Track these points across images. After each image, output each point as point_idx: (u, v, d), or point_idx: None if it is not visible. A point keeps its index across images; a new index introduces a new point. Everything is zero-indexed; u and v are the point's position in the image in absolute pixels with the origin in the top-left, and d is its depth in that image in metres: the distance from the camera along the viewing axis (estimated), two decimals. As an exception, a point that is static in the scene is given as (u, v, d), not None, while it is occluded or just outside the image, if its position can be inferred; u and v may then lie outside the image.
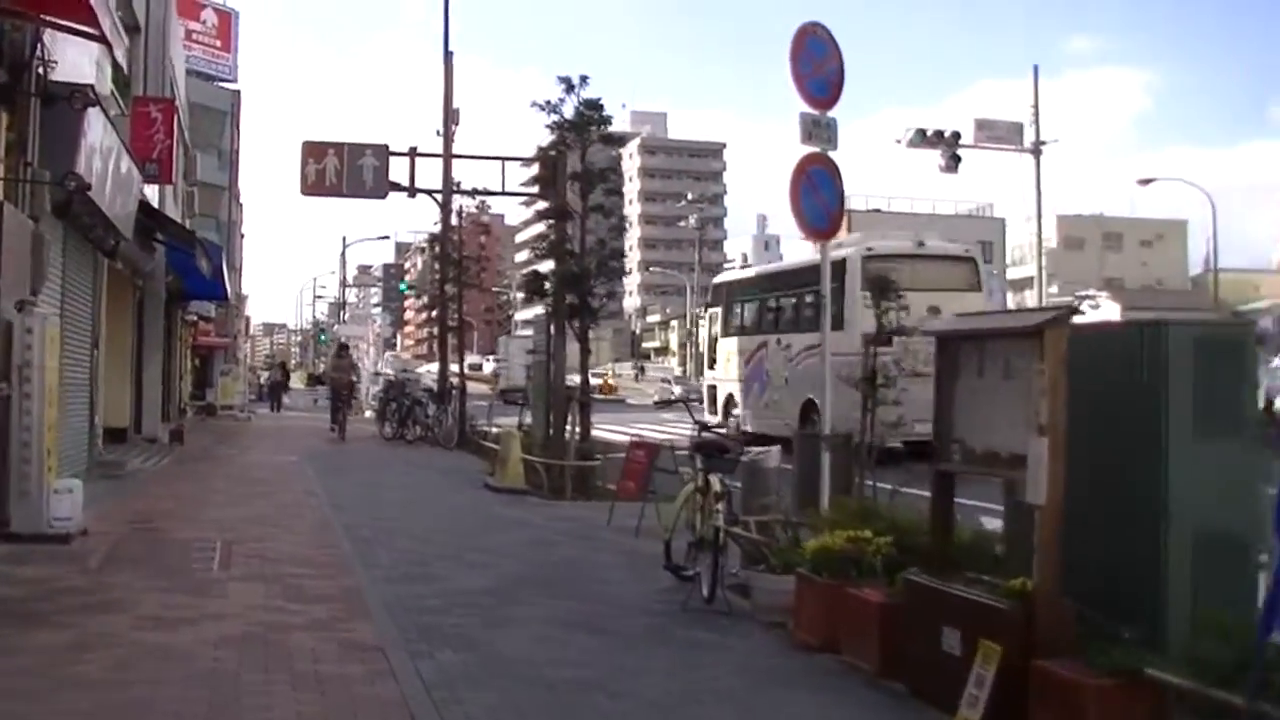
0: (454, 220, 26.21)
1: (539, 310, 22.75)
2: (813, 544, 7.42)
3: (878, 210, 76.72)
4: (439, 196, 25.18)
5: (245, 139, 62.53)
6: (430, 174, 23.57)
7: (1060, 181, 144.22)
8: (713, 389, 27.14)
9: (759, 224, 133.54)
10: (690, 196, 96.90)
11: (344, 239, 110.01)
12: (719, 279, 30.73)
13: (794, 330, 22.24)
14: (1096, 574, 5.70)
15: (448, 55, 26.23)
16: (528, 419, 19.31)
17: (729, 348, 26.06)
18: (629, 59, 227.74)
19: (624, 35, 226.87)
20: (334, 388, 28.57)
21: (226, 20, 55.77)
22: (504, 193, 25.51)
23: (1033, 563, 5.78)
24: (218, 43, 55.17)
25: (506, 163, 24.32)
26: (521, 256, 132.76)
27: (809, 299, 21.96)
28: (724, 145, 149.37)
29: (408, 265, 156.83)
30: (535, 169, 42.50)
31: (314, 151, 23.04)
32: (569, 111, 16.11)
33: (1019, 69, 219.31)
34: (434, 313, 32.94)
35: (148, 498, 13.83)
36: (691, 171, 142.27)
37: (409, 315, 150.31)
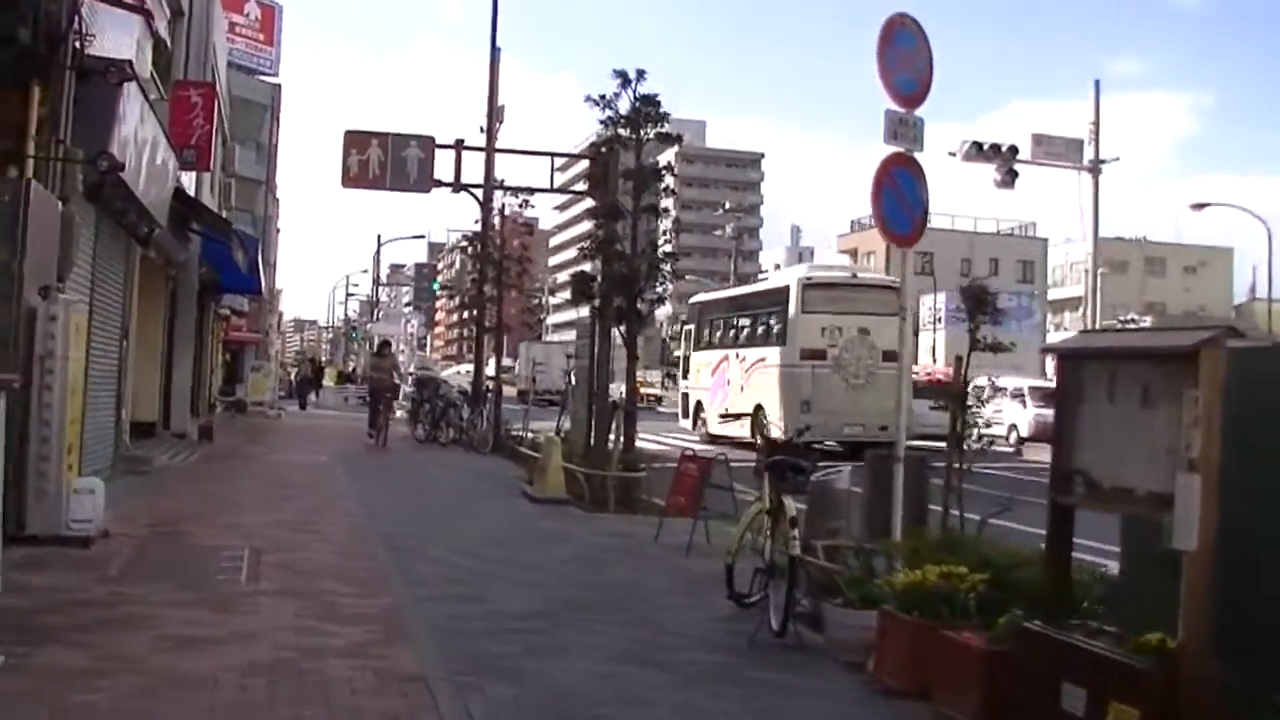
0: (494, 219, 25.57)
1: (572, 314, 23.10)
2: (903, 578, 6.70)
3: (917, 225, 75.68)
4: (480, 194, 24.58)
5: (283, 134, 62.20)
6: (471, 173, 23.03)
7: (1101, 204, 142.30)
8: (685, 397, 30.98)
9: (793, 235, 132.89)
10: (727, 205, 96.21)
11: (379, 237, 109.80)
12: (694, 299, 33.66)
13: (749, 345, 25.88)
14: (1249, 630, 4.98)
15: (494, 50, 25.62)
16: (566, 424, 18.65)
17: (699, 360, 29.92)
18: (668, 65, 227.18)
19: (662, 42, 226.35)
20: (373, 390, 25.91)
21: (270, 14, 55.54)
22: (551, 189, 24.77)
23: (1153, 611, 5.10)
24: (260, 36, 54.93)
25: (555, 158, 23.66)
26: (555, 260, 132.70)
27: (761, 319, 26.15)
28: (762, 155, 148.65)
29: (441, 265, 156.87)
30: (574, 174, 41.88)
31: (356, 141, 22.29)
32: (624, 107, 15.46)
33: (1053, 89, 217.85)
34: (467, 314, 32.37)
35: (173, 497, 13.24)
36: (728, 181, 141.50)
37: (439, 316, 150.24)
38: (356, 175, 22.18)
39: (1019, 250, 76.02)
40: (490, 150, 23.52)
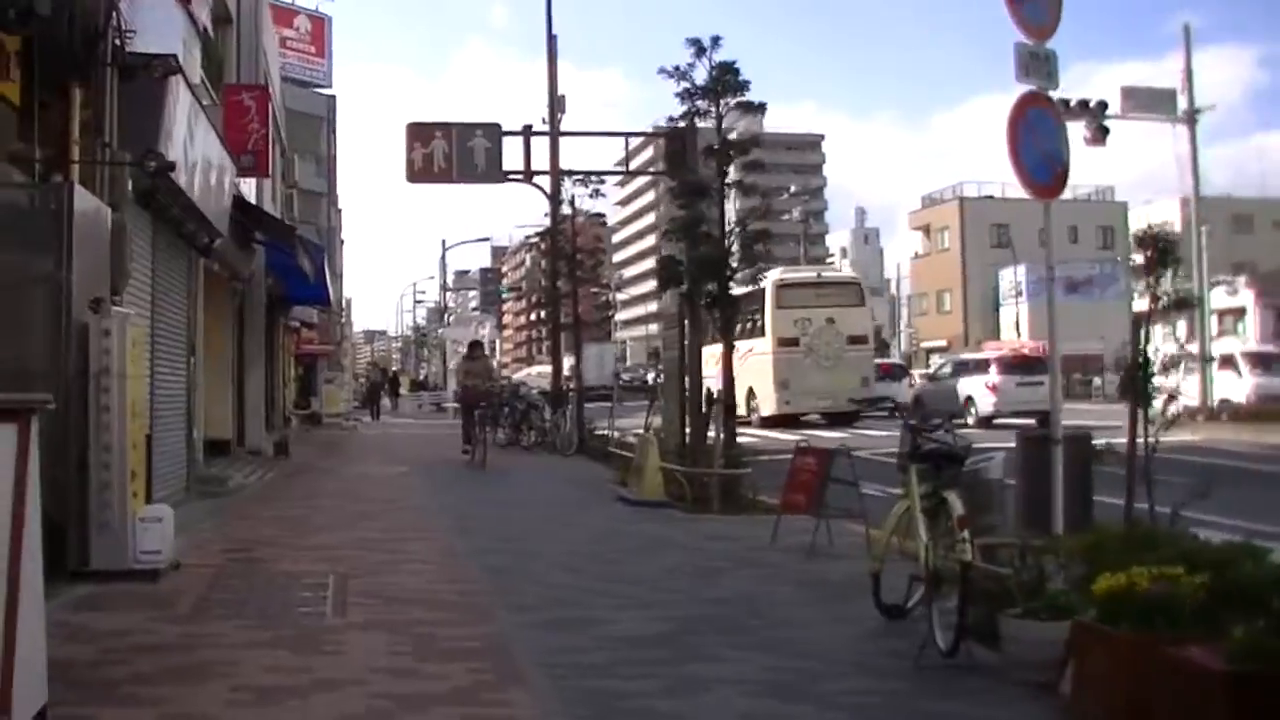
0: (565, 211, 24.63)
1: (640, 310, 22.74)
2: (1105, 582, 5.61)
3: (990, 197, 73.99)
4: (548, 186, 23.65)
5: (340, 146, 62.02)
6: (537, 166, 22.07)
7: (1172, 164, 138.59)
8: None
9: (857, 216, 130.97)
10: (793, 188, 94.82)
11: (443, 242, 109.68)
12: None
13: (742, 338, 26.16)
14: None
15: (551, 38, 24.71)
16: (656, 421, 17.67)
17: (708, 353, 31.97)
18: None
19: (713, 29, 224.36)
20: (465, 400, 22.00)
21: (320, 25, 55.16)
22: (626, 171, 23.77)
23: None
24: (312, 49, 54.59)
25: (629, 138, 22.69)
26: (620, 256, 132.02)
27: (749, 316, 28.31)
28: (822, 137, 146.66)
29: (506, 269, 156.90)
30: (643, 160, 40.96)
31: (420, 134, 21.32)
32: (700, 77, 14.43)
33: (1114, 51, 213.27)
34: (535, 314, 31.50)
35: (250, 520, 12.43)
36: (789, 164, 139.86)
37: (507, 319, 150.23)
38: (421, 169, 21.19)
39: (1098, 216, 73.77)
40: (555, 134, 22.38)
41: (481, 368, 22.15)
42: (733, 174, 15.30)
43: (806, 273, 34.37)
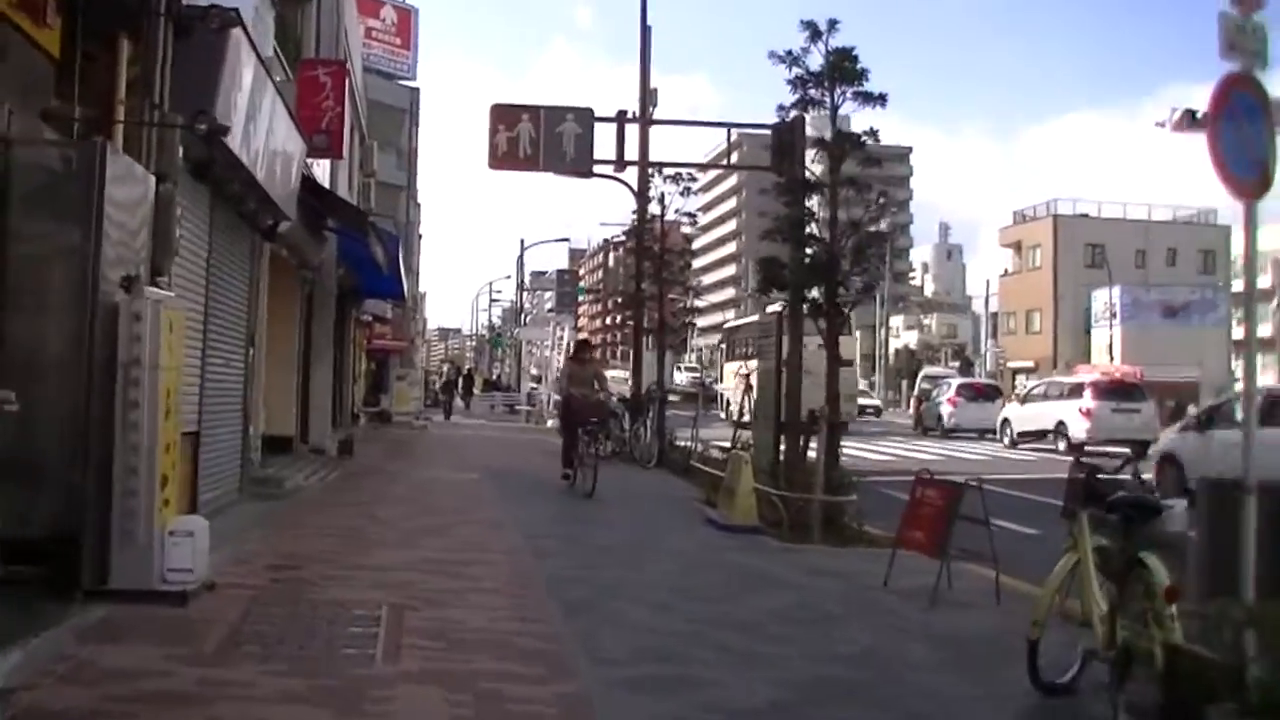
0: (653, 210, 23.37)
1: (718, 317, 21.60)
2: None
3: (1085, 216, 71.61)
4: (631, 182, 22.44)
5: (422, 140, 61.35)
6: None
7: None
8: (721, 395, 43.89)
9: (941, 232, 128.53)
10: (882, 199, 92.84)
11: (521, 241, 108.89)
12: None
13: (751, 359, 25.67)
14: None
15: (645, 29, 23.53)
16: (745, 436, 16.36)
17: (729, 369, 42.31)
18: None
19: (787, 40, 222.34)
20: (572, 414, 17.33)
21: (406, 17, 54.62)
22: (726, 166, 22.42)
23: None
24: (397, 40, 54.07)
25: (731, 129, 21.29)
26: (699, 262, 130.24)
27: (756, 341, 28.47)
28: (910, 149, 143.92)
29: (583, 271, 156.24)
30: (729, 158, 39.60)
31: (505, 117, 19.85)
32: (814, 63, 13.09)
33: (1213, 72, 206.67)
34: (611, 318, 30.23)
35: (303, 530, 11.29)
36: (875, 177, 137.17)
37: (583, 323, 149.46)
38: (505, 155, 19.74)
39: (1199, 239, 71.08)
40: (647, 122, 20.92)
41: (591, 373, 18.32)
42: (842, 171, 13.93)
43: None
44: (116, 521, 7.15)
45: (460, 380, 57.50)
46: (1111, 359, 56.40)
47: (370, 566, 9.28)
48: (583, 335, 45.52)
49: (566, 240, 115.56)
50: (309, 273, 19.33)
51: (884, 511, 11.95)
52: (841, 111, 13.26)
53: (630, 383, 24.11)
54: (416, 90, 53.92)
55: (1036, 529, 12.54)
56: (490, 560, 10.05)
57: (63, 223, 7.08)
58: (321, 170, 17.70)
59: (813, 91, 13.13)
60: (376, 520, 12.28)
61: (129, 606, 6.99)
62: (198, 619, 7.00)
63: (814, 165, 14.19)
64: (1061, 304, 68.36)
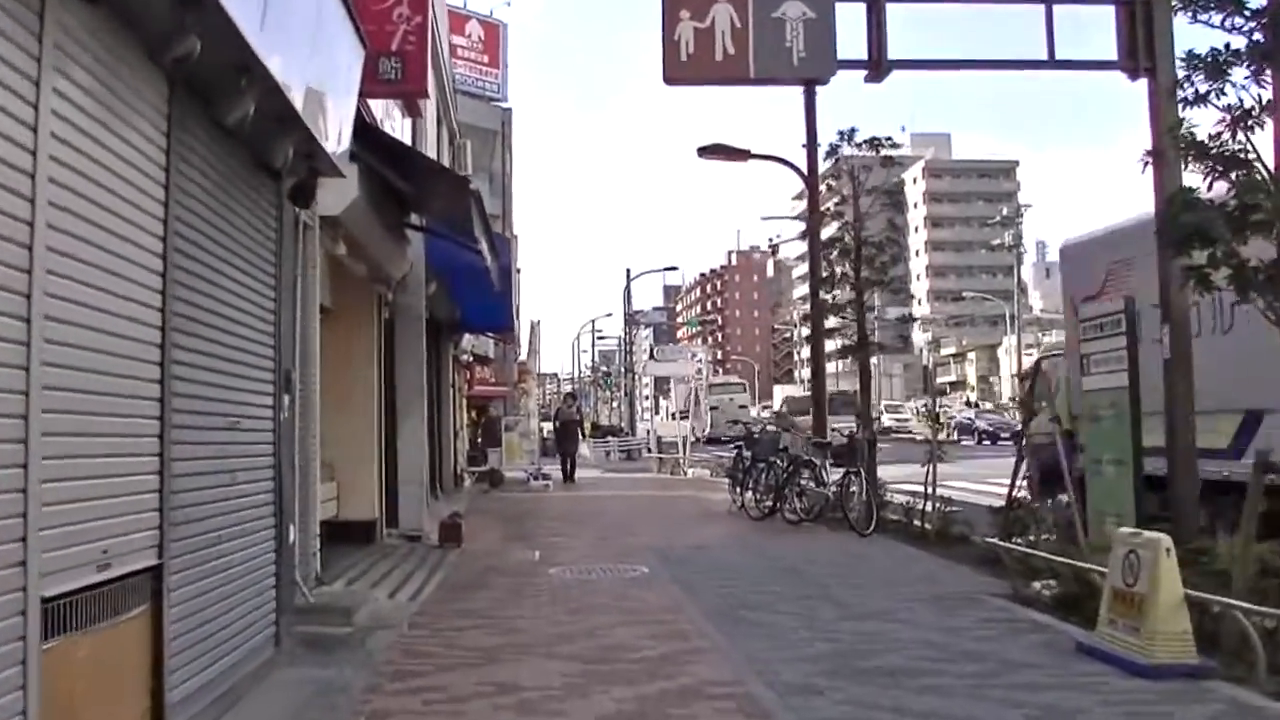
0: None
1: (830, 345, 16.66)
2: None
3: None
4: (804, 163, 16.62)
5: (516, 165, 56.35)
6: (781, 136, 15.21)
7: None
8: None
9: (1038, 250, 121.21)
10: (1002, 214, 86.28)
11: (628, 271, 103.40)
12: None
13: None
14: None
15: None
16: (1062, 498, 10.50)
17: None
18: (904, 81, 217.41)
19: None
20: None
21: (493, 32, 49.90)
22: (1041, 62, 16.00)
23: None
24: (484, 58, 49.42)
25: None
26: (800, 292, 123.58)
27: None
28: (1016, 163, 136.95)
29: (680, 307, 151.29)
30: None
31: (688, 1, 13.38)
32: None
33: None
34: (720, 351, 24.44)
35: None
36: (981, 193, 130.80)
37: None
38: (691, 60, 13.53)
39: None
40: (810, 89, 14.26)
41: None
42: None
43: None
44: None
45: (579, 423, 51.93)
46: None
47: None
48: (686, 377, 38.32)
49: (675, 268, 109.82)
50: (387, 289, 13.87)
51: None
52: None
53: (857, 420, 18.05)
54: (509, 111, 48.98)
55: None
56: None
57: None
58: (399, 122, 12.26)
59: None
60: (508, 690, 6.57)
61: None
62: None
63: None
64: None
